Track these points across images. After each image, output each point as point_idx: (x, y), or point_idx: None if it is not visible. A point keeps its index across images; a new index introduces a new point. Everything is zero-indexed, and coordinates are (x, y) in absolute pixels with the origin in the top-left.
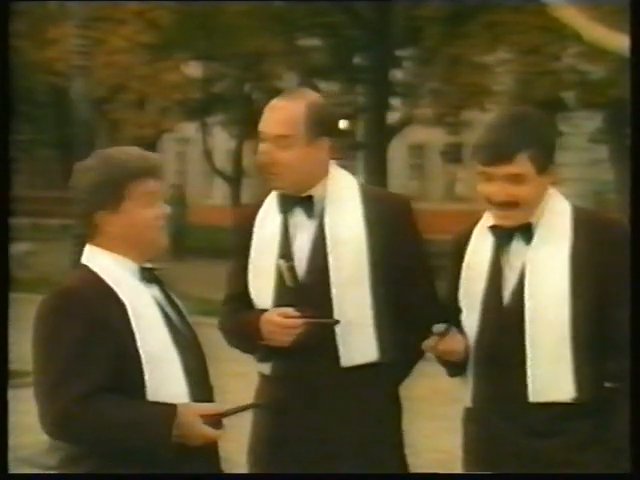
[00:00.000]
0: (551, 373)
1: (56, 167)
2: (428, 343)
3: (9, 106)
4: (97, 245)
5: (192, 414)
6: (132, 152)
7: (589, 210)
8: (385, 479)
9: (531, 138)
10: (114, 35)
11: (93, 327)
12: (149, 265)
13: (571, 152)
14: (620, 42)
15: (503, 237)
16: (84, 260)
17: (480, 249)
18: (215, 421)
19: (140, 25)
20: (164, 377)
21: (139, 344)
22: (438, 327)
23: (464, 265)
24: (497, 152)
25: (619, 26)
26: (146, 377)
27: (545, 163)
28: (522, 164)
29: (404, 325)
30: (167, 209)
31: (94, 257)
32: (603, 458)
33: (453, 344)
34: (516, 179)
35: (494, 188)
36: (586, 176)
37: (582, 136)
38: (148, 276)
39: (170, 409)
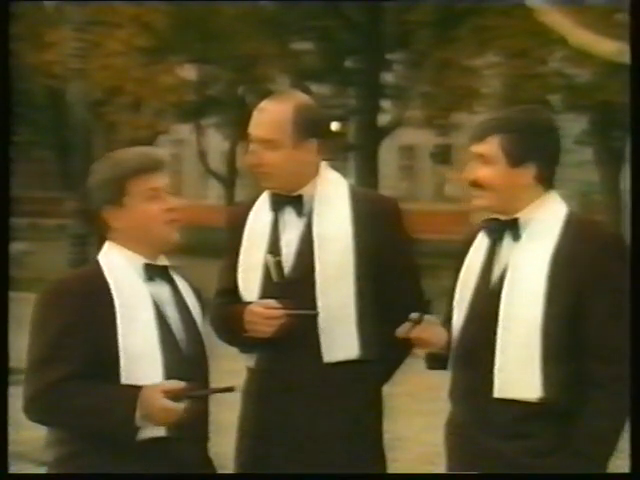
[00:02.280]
0: (518, 370)
1: (53, 168)
2: (401, 329)
3: (8, 108)
4: (113, 241)
5: (154, 390)
6: (135, 150)
7: (583, 217)
8: (383, 479)
9: (508, 126)
10: (110, 38)
11: (75, 319)
12: (161, 262)
13: None
14: (605, 46)
15: (493, 233)
16: (99, 255)
17: (478, 248)
18: (178, 397)
19: (135, 28)
20: (140, 375)
21: (120, 341)
22: (413, 315)
23: (464, 265)
24: (474, 131)
25: (604, 31)
26: (122, 374)
27: (520, 156)
28: (490, 146)
29: (388, 324)
30: (175, 203)
31: (107, 252)
32: (567, 464)
33: (426, 333)
34: (483, 160)
35: (468, 167)
36: (572, 177)
37: (568, 138)
38: (153, 273)
39: (133, 390)
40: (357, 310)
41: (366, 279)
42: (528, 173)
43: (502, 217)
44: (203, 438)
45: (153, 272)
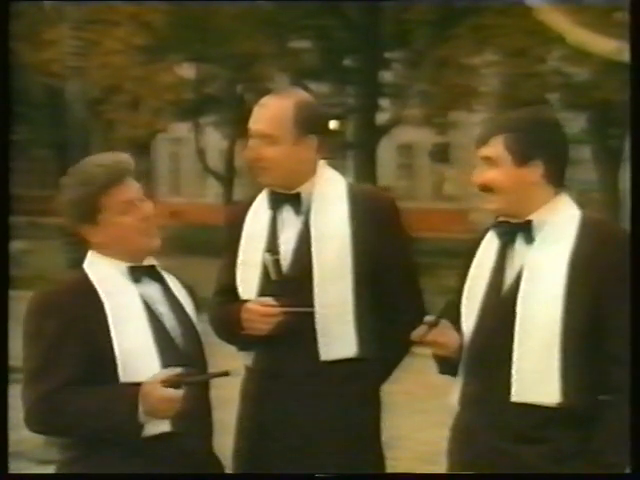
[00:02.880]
0: (537, 375)
1: (52, 167)
2: (417, 332)
3: (8, 107)
4: (95, 250)
5: (152, 383)
6: (100, 162)
7: (598, 218)
8: (383, 479)
9: (510, 125)
10: (108, 37)
11: (67, 327)
12: (146, 263)
13: None
14: (603, 45)
15: (505, 236)
16: (84, 263)
17: (488, 249)
18: (176, 385)
19: (134, 27)
20: (138, 373)
21: (114, 342)
22: (428, 318)
23: (472, 265)
24: (479, 135)
25: (603, 29)
26: (120, 373)
27: (526, 154)
28: (495, 147)
29: (386, 323)
30: (149, 210)
31: (91, 260)
32: (585, 470)
33: (442, 336)
34: (490, 162)
35: (476, 171)
36: (570, 175)
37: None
38: (139, 274)
39: (133, 387)
40: (355, 308)
41: (364, 277)
42: (536, 171)
43: (513, 220)
44: (207, 433)
45: (139, 273)
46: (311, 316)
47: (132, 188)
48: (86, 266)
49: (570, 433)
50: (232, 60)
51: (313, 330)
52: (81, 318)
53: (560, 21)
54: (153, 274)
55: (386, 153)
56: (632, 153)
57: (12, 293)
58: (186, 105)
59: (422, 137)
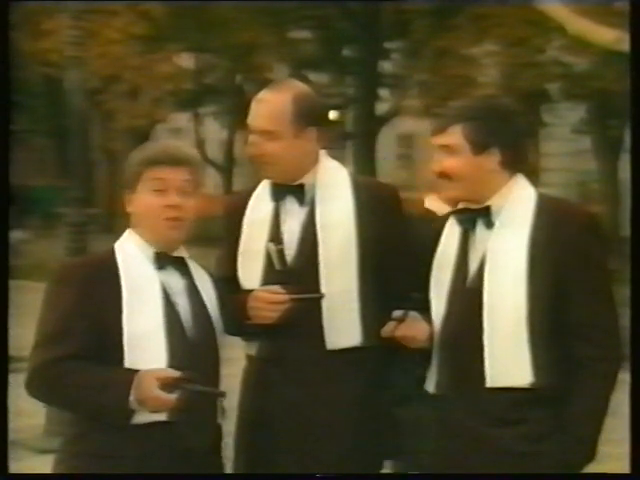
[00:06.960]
0: (508, 358)
1: (51, 156)
2: (386, 328)
3: (7, 97)
4: (132, 228)
5: (148, 377)
6: (162, 143)
7: (554, 198)
8: (385, 479)
9: (468, 114)
10: (107, 27)
11: (83, 300)
12: (176, 254)
13: (555, 142)
14: (603, 35)
15: (466, 222)
16: (117, 242)
17: (451, 236)
18: (171, 386)
19: (133, 17)
20: (144, 359)
21: (124, 324)
22: (396, 313)
23: (436, 254)
24: (435, 123)
25: (602, 19)
26: (125, 356)
27: (483, 142)
28: (453, 136)
29: (389, 311)
30: (177, 200)
31: (124, 240)
32: (560, 449)
33: (411, 330)
34: (448, 150)
35: (434, 159)
36: (570, 166)
37: (566, 127)
38: (164, 262)
39: (130, 373)
40: (359, 296)
41: (368, 265)
42: (493, 159)
43: (472, 206)
44: (209, 422)
45: (164, 261)
46: (317, 304)
47: (174, 175)
48: (117, 244)
49: (544, 411)
50: (231, 50)
51: (318, 319)
52: (98, 294)
53: (560, 11)
54: (179, 264)
55: (386, 143)
56: (632, 143)
57: (11, 282)
58: (185, 95)
59: (422, 127)
